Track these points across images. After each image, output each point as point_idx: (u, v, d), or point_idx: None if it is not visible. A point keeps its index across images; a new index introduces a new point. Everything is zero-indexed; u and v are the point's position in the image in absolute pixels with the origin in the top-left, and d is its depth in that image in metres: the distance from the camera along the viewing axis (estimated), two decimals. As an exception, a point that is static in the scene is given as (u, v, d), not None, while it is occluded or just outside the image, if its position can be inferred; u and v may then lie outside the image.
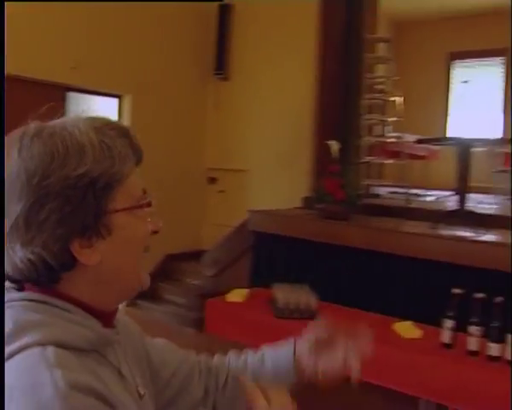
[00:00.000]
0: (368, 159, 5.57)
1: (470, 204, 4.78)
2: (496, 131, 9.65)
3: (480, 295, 2.84)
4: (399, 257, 3.94)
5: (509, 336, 2.71)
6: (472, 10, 9.36)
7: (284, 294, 3.35)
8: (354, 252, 4.15)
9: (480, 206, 5.42)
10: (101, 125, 0.89)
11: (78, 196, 0.84)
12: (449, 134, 9.84)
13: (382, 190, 6.31)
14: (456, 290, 2.90)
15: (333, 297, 3.50)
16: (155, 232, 0.96)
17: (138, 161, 0.94)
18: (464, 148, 4.35)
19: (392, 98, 6.00)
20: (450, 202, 6.35)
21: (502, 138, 8.38)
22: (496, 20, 9.54)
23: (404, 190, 5.67)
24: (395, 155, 5.94)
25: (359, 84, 5.42)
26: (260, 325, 3.26)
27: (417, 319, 3.19)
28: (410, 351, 2.91)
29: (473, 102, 9.41)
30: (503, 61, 10.05)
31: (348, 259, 4.16)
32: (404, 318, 3.20)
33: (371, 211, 4.79)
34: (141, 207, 0.92)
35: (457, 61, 10.26)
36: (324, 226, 4.40)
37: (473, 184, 7.22)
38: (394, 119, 6.08)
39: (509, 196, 7.83)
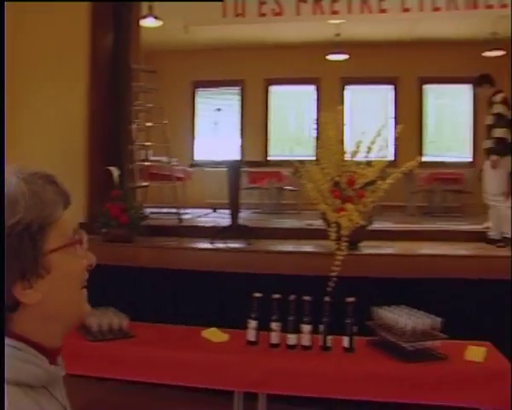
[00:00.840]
0: (142, 183, 5.81)
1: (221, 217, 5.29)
2: (236, 154, 10.77)
3: (277, 295, 3.32)
4: (188, 271, 4.27)
5: (304, 326, 3.24)
6: (213, 44, 10.28)
7: (95, 317, 3.41)
8: (144, 271, 4.36)
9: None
10: (30, 176, 0.99)
11: (16, 242, 0.93)
12: (196, 157, 10.68)
13: (148, 211, 6.60)
14: (256, 294, 3.34)
15: (140, 316, 3.66)
16: (90, 267, 1.06)
17: (66, 203, 1.03)
18: (235, 169, 4.88)
19: (154, 124, 6.38)
20: (211, 217, 6.99)
21: (260, 161, 9.36)
22: (232, 55, 10.71)
23: (174, 210, 6.04)
24: (161, 177, 6.31)
25: (129, 112, 5.65)
26: (77, 351, 3.26)
27: (223, 324, 3.54)
28: (220, 352, 3.24)
29: (219, 128, 10.27)
30: (239, 91, 11.35)
31: (140, 278, 4.35)
32: (211, 325, 3.52)
33: (152, 232, 5.03)
34: (73, 244, 1.01)
35: (201, 89, 11.22)
36: (112, 250, 4.50)
37: (222, 200, 8.00)
38: (156, 144, 6.44)
39: (254, 210, 8.85)
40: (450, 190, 9.87)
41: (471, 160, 11.62)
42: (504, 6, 5.92)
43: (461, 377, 2.82)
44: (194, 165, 5.89)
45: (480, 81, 5.80)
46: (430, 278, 4.00)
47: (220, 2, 6.09)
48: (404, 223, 7.12)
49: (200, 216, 6.96)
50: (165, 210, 6.87)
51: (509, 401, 2.59)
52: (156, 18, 7.42)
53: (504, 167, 5.32)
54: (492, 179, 5.44)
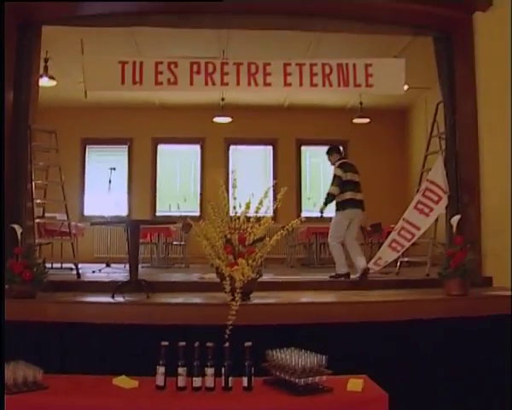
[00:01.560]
0: (40, 239, 5.94)
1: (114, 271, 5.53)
2: (124, 210, 11.05)
3: (183, 343, 3.69)
4: (92, 324, 4.51)
5: (208, 370, 3.62)
6: (103, 103, 10.59)
7: (10, 371, 3.56)
8: (50, 325, 4.52)
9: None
10: None
11: None
12: (86, 212, 10.82)
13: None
14: (164, 343, 3.69)
15: (53, 368, 3.84)
16: None
17: None
18: (135, 227, 5.22)
19: (51, 182, 6.56)
20: (104, 272, 7.19)
21: (154, 220, 9.60)
22: (121, 114, 11.08)
23: (69, 266, 6.20)
24: (58, 233, 6.46)
25: (28, 170, 5.83)
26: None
27: (129, 373, 3.81)
28: (132, 397, 3.52)
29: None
30: (127, 149, 11.71)
31: (46, 332, 4.50)
32: (119, 374, 3.79)
33: (53, 287, 5.19)
34: None
35: (90, 146, 11.43)
36: (17, 306, 4.63)
37: (111, 255, 8.20)
38: (53, 201, 6.61)
39: (142, 264, 9.08)
40: (328, 242, 10.68)
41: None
42: (370, 86, 6.92)
43: (344, 405, 3.34)
44: (94, 223, 6.11)
45: (331, 151, 7.37)
46: (313, 323, 4.57)
47: (119, 70, 6.49)
48: (286, 274, 7.76)
49: (94, 271, 7.14)
50: (56, 265, 6.99)
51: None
52: (51, 78, 7.66)
53: (338, 218, 6.95)
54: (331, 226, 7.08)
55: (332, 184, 6.98)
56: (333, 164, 7.24)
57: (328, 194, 6.94)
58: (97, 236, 10.02)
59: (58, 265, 7.16)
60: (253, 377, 3.61)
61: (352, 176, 7.01)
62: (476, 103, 6.76)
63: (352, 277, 6.82)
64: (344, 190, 6.90)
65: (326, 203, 6.93)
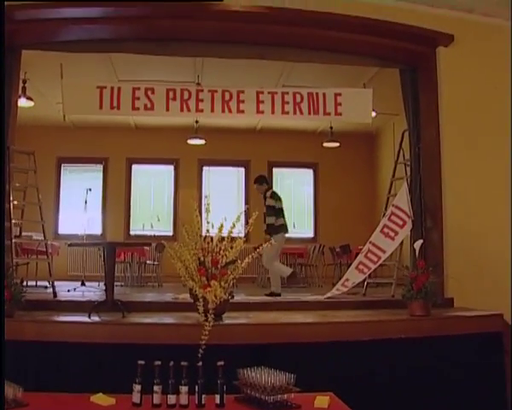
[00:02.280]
0: (18, 259, 6.05)
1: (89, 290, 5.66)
2: (97, 228, 11.12)
3: (158, 362, 3.87)
4: (69, 343, 4.65)
5: (182, 388, 3.80)
6: (78, 122, 10.71)
7: (-10, 389, 3.69)
8: (27, 344, 4.64)
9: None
10: None
11: None
12: (60, 230, 10.88)
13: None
14: (140, 361, 3.86)
15: (30, 386, 3.96)
16: None
17: None
18: (112, 249, 5.38)
19: (29, 202, 6.67)
20: (79, 291, 7.30)
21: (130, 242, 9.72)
22: (97, 133, 11.19)
23: (43, 284, 6.31)
24: (35, 253, 6.57)
25: (6, 191, 5.94)
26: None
27: (111, 390, 3.95)
28: (108, 415, 3.69)
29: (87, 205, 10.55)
30: (102, 168, 11.80)
31: (24, 351, 4.62)
32: (96, 392, 3.93)
33: (31, 306, 5.30)
34: None
35: (66, 165, 11.51)
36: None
37: (85, 274, 8.29)
38: (30, 220, 6.71)
39: (116, 283, 9.18)
40: (298, 263, 10.95)
41: (313, 235, 12.97)
42: (339, 114, 7.23)
43: (310, 421, 3.56)
44: (71, 244, 6.26)
45: (260, 181, 8.31)
46: (282, 342, 4.78)
47: (97, 95, 6.68)
48: (257, 294, 7.96)
49: (69, 290, 7.24)
50: (31, 283, 7.07)
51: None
52: (29, 99, 7.81)
53: (277, 242, 7.50)
54: (266, 251, 7.40)
55: (268, 215, 7.84)
56: (261, 193, 8.14)
57: (268, 225, 7.81)
58: (71, 254, 10.12)
59: (33, 283, 7.25)
60: (225, 395, 3.77)
61: (280, 204, 7.97)
62: (439, 132, 7.09)
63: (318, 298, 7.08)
64: (278, 217, 7.85)
65: (269, 233, 7.75)
